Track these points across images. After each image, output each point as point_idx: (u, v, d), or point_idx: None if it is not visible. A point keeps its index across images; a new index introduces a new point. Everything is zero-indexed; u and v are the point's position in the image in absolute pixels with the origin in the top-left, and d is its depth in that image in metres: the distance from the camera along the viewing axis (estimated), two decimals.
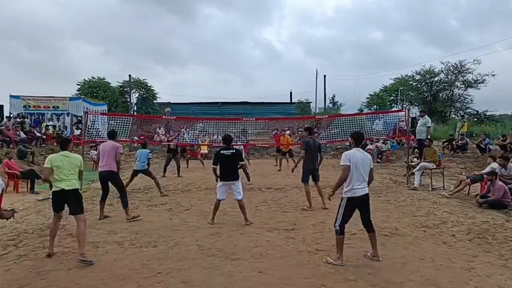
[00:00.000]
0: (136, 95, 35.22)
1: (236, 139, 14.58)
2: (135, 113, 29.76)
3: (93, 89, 32.13)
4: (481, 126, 25.61)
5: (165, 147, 14.85)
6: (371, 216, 4.68)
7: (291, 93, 40.95)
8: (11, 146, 14.30)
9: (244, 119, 14.36)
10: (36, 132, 17.12)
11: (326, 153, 18.65)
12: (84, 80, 33.48)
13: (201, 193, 9.62)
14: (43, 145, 16.67)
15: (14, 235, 5.76)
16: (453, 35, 75.73)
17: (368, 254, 4.68)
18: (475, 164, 13.86)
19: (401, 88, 33.79)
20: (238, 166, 6.60)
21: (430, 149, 10.52)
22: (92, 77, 33.65)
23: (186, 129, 20.16)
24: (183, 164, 14.26)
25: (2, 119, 18.35)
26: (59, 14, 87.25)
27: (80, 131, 16.70)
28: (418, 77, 34.99)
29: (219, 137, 13.53)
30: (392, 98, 35.60)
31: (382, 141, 18.22)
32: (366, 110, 34.08)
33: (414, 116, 20.01)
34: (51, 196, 4.94)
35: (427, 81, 34.69)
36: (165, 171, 12.81)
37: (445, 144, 17.57)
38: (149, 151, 9.66)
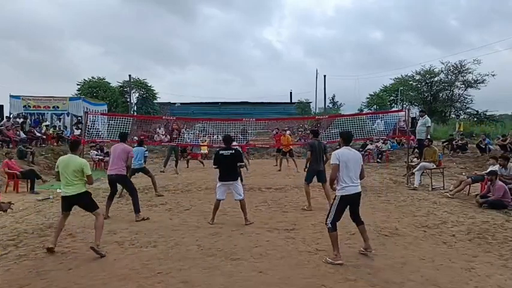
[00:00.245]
0: (136, 95, 35.33)
1: (236, 139, 14.56)
2: (135, 113, 29.76)
3: (93, 89, 32.14)
4: (481, 126, 25.58)
5: (166, 147, 15.02)
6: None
7: (291, 93, 41.10)
8: (11, 146, 14.30)
9: (244, 119, 14.35)
10: (36, 132, 17.09)
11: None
12: (84, 80, 33.57)
13: (201, 193, 9.62)
14: (43, 145, 16.64)
15: (14, 235, 5.75)
16: (453, 35, 75.98)
17: (361, 248, 4.75)
18: (475, 164, 13.85)
19: (401, 88, 33.80)
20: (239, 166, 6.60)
21: (430, 149, 10.52)
22: (92, 77, 33.70)
23: (186, 129, 20.16)
24: (183, 164, 14.30)
25: (2, 119, 18.32)
26: (59, 14, 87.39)
27: (80, 131, 16.72)
28: (418, 77, 34.98)
29: (219, 137, 13.56)
30: (392, 98, 35.62)
31: (382, 141, 18.21)
32: (366, 110, 34.13)
33: (414, 116, 19.98)
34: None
35: (427, 81, 34.66)
36: (165, 166, 13.51)
37: (445, 144, 17.57)
38: (145, 149, 9.64)
